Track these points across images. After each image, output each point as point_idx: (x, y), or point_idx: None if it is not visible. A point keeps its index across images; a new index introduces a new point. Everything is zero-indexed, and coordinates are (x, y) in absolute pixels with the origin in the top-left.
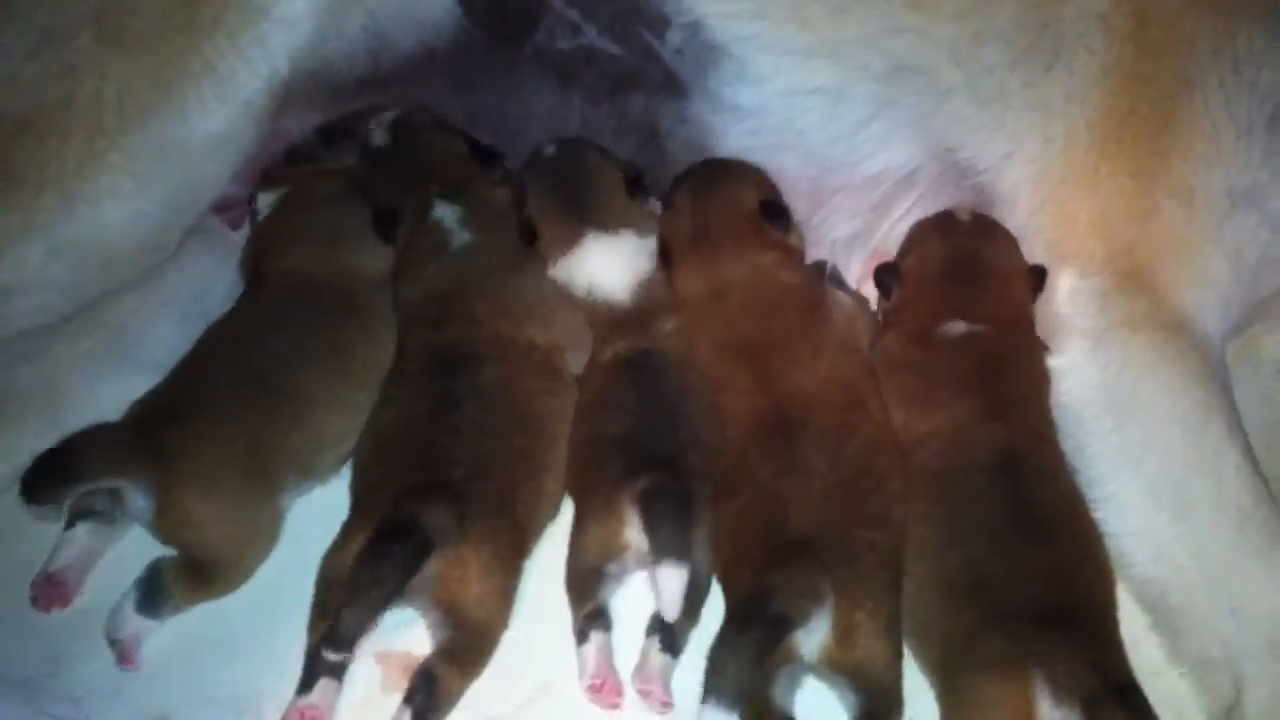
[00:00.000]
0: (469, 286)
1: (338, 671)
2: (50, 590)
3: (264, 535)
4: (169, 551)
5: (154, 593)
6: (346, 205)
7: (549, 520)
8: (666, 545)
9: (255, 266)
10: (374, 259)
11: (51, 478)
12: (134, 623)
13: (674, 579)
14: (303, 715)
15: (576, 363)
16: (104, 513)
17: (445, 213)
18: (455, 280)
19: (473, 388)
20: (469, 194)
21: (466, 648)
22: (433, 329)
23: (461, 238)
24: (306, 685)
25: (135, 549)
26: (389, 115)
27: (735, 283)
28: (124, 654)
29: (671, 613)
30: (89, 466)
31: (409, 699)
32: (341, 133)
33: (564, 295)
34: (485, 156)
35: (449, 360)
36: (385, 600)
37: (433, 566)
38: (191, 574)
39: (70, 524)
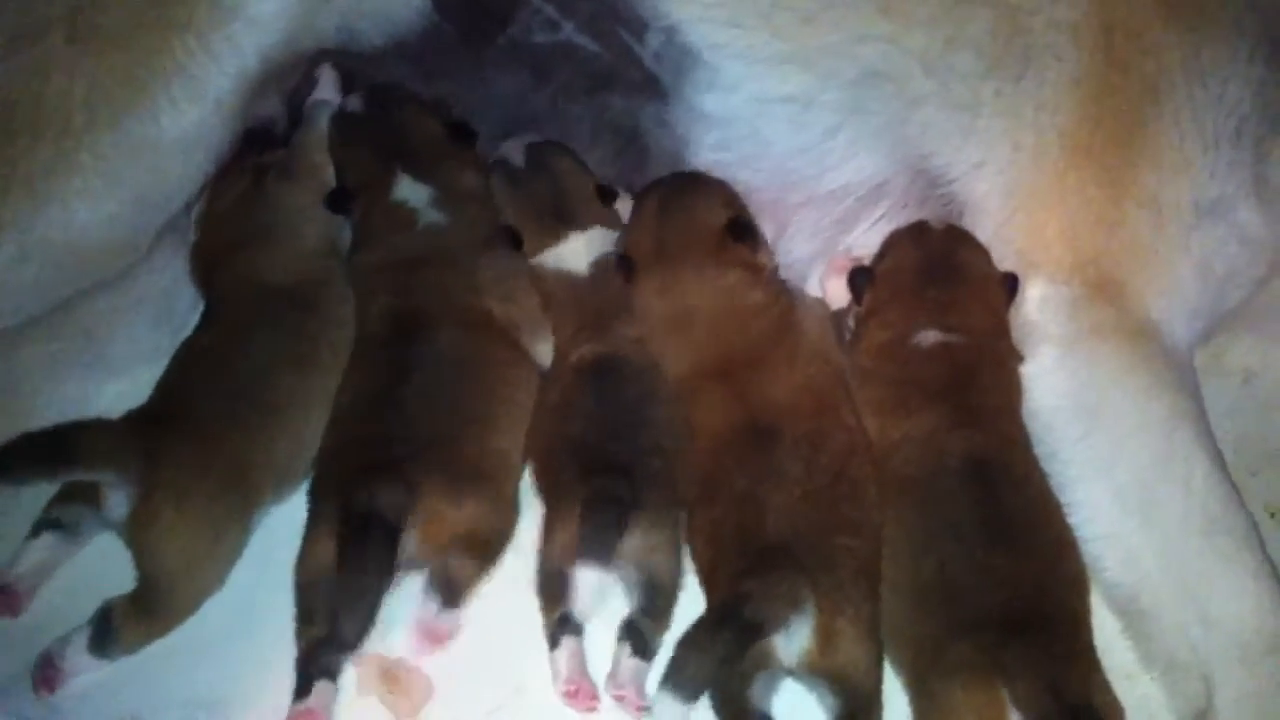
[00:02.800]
0: (435, 257)
1: (332, 672)
2: (1, 599)
3: (219, 560)
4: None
5: (104, 633)
6: (259, 199)
7: (516, 467)
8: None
9: (205, 280)
10: (310, 233)
11: (45, 460)
12: (82, 661)
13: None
14: None
15: (535, 349)
16: (68, 526)
17: (413, 192)
18: (421, 250)
19: (426, 353)
20: (440, 175)
21: (478, 546)
22: (395, 295)
23: (429, 216)
24: (303, 690)
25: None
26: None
27: (700, 306)
28: (50, 680)
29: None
30: (87, 455)
31: (427, 590)
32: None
33: (531, 277)
34: (461, 136)
35: (406, 327)
36: (378, 599)
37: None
38: (138, 606)
39: (34, 533)
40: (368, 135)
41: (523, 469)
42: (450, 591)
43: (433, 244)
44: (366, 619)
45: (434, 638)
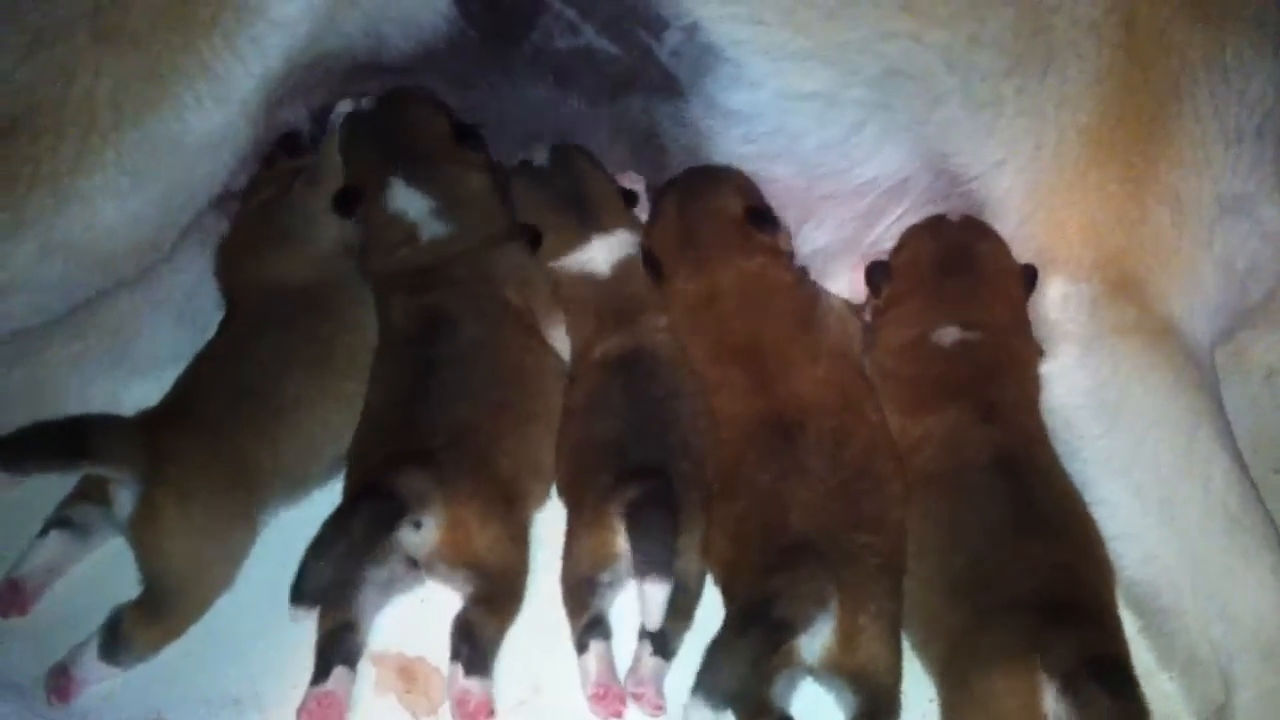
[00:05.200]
0: (445, 261)
1: (351, 659)
2: (9, 596)
3: (223, 560)
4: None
5: (114, 639)
6: (280, 203)
7: (546, 473)
8: (650, 561)
9: (225, 283)
10: (327, 235)
11: (55, 451)
12: (96, 669)
13: (657, 594)
14: (319, 703)
15: (551, 334)
16: (79, 525)
17: (410, 204)
18: (430, 261)
19: (450, 350)
20: (440, 182)
21: (496, 591)
22: (411, 293)
23: (431, 230)
24: (322, 673)
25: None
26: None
27: (728, 287)
28: (63, 690)
29: (654, 625)
30: (96, 448)
31: (455, 655)
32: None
33: (553, 279)
34: (466, 137)
35: (429, 324)
36: (349, 557)
37: (432, 537)
38: (146, 610)
39: (44, 532)
40: (370, 134)
41: (548, 490)
42: (475, 656)
43: (440, 254)
44: (328, 574)
45: (468, 711)
